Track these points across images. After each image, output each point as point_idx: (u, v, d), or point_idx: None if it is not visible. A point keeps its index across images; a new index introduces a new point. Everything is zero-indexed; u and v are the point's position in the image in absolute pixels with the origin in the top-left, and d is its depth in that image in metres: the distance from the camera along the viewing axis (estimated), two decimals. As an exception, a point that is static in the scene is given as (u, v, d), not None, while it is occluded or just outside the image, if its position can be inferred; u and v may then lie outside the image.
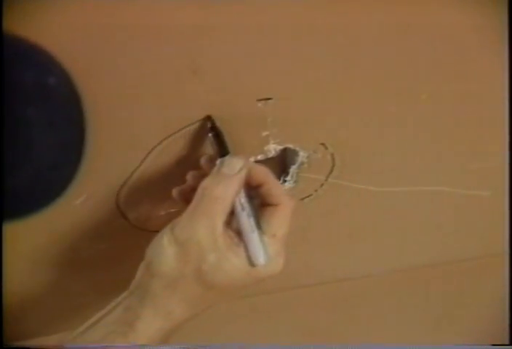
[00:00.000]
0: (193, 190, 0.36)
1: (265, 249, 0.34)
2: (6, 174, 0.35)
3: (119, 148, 0.38)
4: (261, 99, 0.38)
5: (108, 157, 0.38)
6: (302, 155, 0.42)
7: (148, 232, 0.42)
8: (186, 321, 0.35)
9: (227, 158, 0.35)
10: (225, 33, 0.35)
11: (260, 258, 0.34)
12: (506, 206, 0.48)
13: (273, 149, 0.41)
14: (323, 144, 0.42)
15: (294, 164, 0.43)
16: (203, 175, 0.36)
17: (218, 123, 0.37)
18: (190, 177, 0.38)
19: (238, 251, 0.34)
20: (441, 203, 0.48)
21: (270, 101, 0.38)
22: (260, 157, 0.41)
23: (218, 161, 0.36)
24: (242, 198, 0.35)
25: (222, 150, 0.36)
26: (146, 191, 0.40)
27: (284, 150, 0.42)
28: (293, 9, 0.34)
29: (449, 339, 0.60)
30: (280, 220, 0.36)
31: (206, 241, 0.33)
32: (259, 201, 0.36)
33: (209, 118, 0.38)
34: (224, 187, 0.34)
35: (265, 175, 0.36)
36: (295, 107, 0.39)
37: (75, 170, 0.37)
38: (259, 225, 0.35)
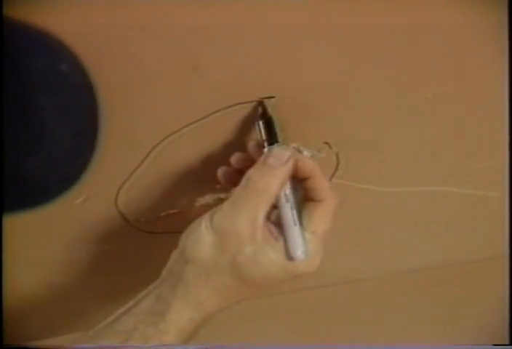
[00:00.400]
0: (237, 172, 0.36)
1: (305, 244, 0.34)
2: (19, 163, 0.35)
3: (119, 148, 0.37)
4: (263, 98, 0.37)
5: (108, 156, 0.37)
6: (306, 155, 0.40)
7: (147, 233, 0.41)
8: (216, 312, 0.35)
9: (274, 147, 0.35)
10: (227, 30, 0.34)
11: (299, 252, 0.34)
12: (506, 206, 0.48)
13: None
14: (327, 143, 0.41)
15: None
16: (247, 158, 0.36)
17: (270, 110, 0.36)
18: (234, 159, 0.38)
19: (276, 246, 0.34)
20: (447, 204, 0.48)
21: (272, 99, 0.38)
22: (262, 156, 0.41)
23: (266, 150, 0.35)
24: (287, 190, 0.34)
25: (271, 138, 0.35)
26: (146, 191, 0.40)
27: None
28: (296, 6, 0.34)
29: (450, 339, 0.60)
30: (322, 216, 0.35)
31: (245, 233, 0.33)
32: (301, 194, 0.36)
33: (260, 103, 0.37)
34: (269, 180, 0.33)
35: (311, 168, 0.35)
36: (299, 105, 0.39)
37: (89, 158, 0.36)
38: (300, 219, 0.35)
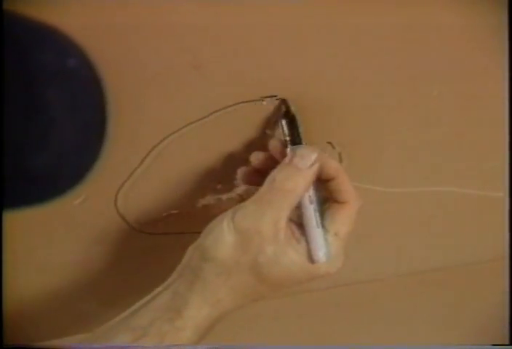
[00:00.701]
0: (257, 171, 0.36)
1: (327, 246, 0.34)
2: (27, 158, 0.34)
3: (119, 147, 0.37)
4: (266, 97, 0.37)
5: (108, 156, 0.37)
6: None
7: (147, 234, 0.41)
8: (232, 310, 0.35)
9: (300, 149, 0.34)
10: (229, 29, 0.34)
11: (321, 254, 0.34)
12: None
13: None
14: (330, 143, 0.41)
15: None
16: (268, 157, 0.36)
17: (293, 109, 0.36)
18: (254, 158, 0.37)
19: (298, 247, 0.34)
20: (451, 205, 0.48)
21: (275, 98, 0.37)
22: (264, 156, 0.40)
23: (289, 150, 0.35)
24: (311, 191, 0.34)
25: (295, 139, 0.35)
26: (146, 192, 0.39)
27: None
28: (299, 5, 0.34)
29: (450, 339, 0.60)
30: (344, 218, 0.35)
31: (267, 233, 0.33)
32: (323, 195, 0.36)
33: (284, 102, 0.37)
34: (295, 181, 0.33)
35: (336, 169, 0.35)
36: (301, 105, 0.38)
37: (97, 154, 0.36)
38: (322, 221, 0.35)
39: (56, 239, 0.40)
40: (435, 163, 0.45)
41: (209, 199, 0.41)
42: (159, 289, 0.34)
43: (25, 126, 0.33)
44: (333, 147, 0.41)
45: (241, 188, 0.41)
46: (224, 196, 0.41)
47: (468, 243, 0.52)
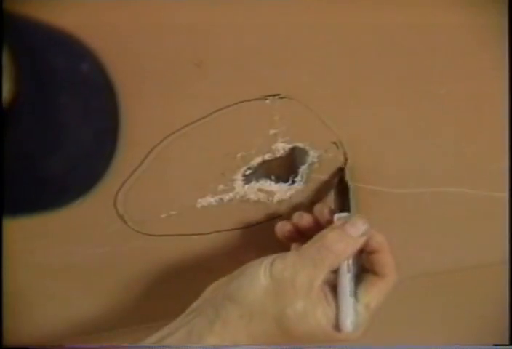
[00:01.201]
0: (297, 230, 0.39)
1: (356, 316, 0.34)
2: (38, 164, 0.34)
3: (118, 147, 0.36)
4: (269, 96, 0.37)
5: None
6: (312, 155, 0.41)
7: (147, 236, 0.41)
8: None
9: (353, 217, 0.36)
10: (231, 28, 0.34)
11: (348, 323, 0.34)
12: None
13: (281, 148, 0.40)
14: (334, 143, 0.40)
15: (303, 164, 0.41)
16: (312, 220, 0.39)
17: (347, 178, 0.39)
18: (298, 217, 0.40)
19: (328, 310, 0.34)
20: (461, 206, 0.47)
21: (278, 97, 0.37)
22: (267, 156, 0.40)
23: (336, 216, 0.37)
24: (350, 260, 0.35)
25: (345, 207, 0.38)
26: (146, 193, 0.39)
27: (293, 150, 0.40)
28: (302, 3, 0.33)
29: (450, 339, 0.60)
30: (379, 292, 0.36)
31: (301, 288, 0.33)
32: (361, 265, 0.37)
33: (341, 170, 0.40)
34: (345, 246, 0.35)
35: (381, 244, 0.36)
36: (305, 104, 0.38)
37: (110, 158, 0.36)
38: (355, 290, 0.35)
39: (55, 240, 0.40)
40: (446, 163, 0.44)
41: (209, 200, 0.41)
42: (175, 323, 0.34)
43: (37, 131, 0.33)
44: (338, 147, 0.41)
45: (242, 189, 0.40)
46: (225, 197, 0.40)
47: (471, 244, 0.51)
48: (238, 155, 0.39)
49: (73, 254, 0.41)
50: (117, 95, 0.33)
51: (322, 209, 0.39)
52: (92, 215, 0.39)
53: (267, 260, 0.34)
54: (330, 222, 0.38)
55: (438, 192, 0.46)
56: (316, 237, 0.35)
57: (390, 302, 0.56)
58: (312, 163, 0.41)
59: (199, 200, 0.40)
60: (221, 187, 0.40)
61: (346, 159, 0.41)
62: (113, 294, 0.43)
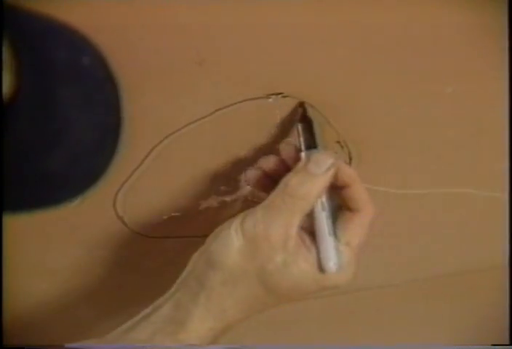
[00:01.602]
0: (267, 176, 0.36)
1: (338, 256, 0.33)
2: (40, 159, 0.34)
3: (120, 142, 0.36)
4: (271, 94, 0.36)
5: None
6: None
7: (147, 238, 0.40)
8: (237, 322, 0.34)
9: (315, 154, 0.34)
10: (232, 27, 0.33)
11: (331, 264, 0.33)
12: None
13: None
14: (339, 142, 0.40)
15: None
16: (280, 162, 0.35)
17: (310, 113, 0.36)
18: (264, 162, 0.37)
19: (308, 256, 0.33)
20: (467, 207, 0.46)
21: (281, 96, 0.36)
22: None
23: (303, 154, 0.34)
24: (324, 198, 0.34)
25: (310, 143, 0.34)
26: (146, 194, 0.39)
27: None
28: (304, 3, 0.33)
29: (450, 339, 0.60)
30: (357, 228, 0.34)
31: (277, 240, 0.32)
32: (337, 203, 0.35)
33: (301, 105, 0.36)
34: (309, 187, 0.32)
35: (351, 176, 0.34)
36: (308, 103, 0.37)
37: (112, 154, 0.35)
38: (334, 229, 0.34)
39: (54, 242, 0.40)
40: (451, 163, 0.44)
41: (212, 201, 0.40)
42: (161, 300, 0.34)
43: (38, 126, 0.33)
44: (342, 147, 0.40)
45: (246, 189, 0.40)
46: (228, 198, 0.40)
47: (488, 248, 0.51)
48: (241, 155, 0.38)
49: (72, 255, 0.41)
50: (119, 90, 0.33)
51: (289, 149, 0.36)
52: (91, 216, 0.39)
53: (237, 220, 0.33)
54: (298, 161, 0.34)
55: (441, 192, 0.45)
56: (281, 184, 0.33)
57: (390, 302, 0.57)
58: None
59: (201, 201, 0.40)
60: (223, 188, 0.40)
61: (350, 159, 0.41)
62: (113, 297, 0.42)
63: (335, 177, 0.33)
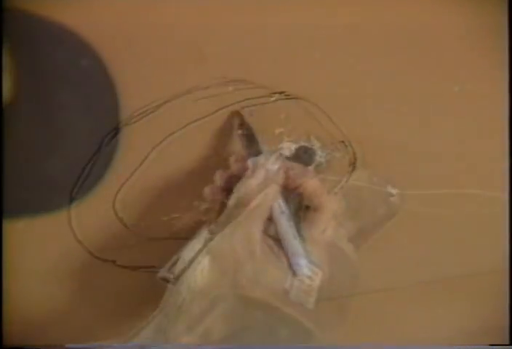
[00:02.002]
0: (224, 190, 0.35)
1: (308, 258, 0.32)
2: (41, 162, 0.35)
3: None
4: (274, 93, 0.36)
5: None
6: (319, 155, 0.40)
7: (147, 239, 0.40)
8: (223, 340, 0.33)
9: (261, 158, 0.34)
10: (233, 26, 0.34)
11: (304, 267, 0.32)
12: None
13: (287, 147, 0.39)
14: (342, 142, 0.40)
15: (310, 164, 0.40)
16: (232, 175, 0.35)
17: (247, 120, 0.36)
18: (218, 177, 0.36)
19: (278, 263, 0.32)
20: (473, 208, 0.46)
21: (284, 95, 0.37)
22: (273, 156, 0.40)
23: (250, 162, 0.34)
24: (280, 200, 0.33)
25: (254, 150, 0.34)
26: (146, 195, 0.39)
27: (300, 149, 0.40)
28: (305, 3, 0.34)
29: (450, 339, 0.59)
30: (321, 225, 0.34)
31: (242, 251, 0.32)
32: (296, 204, 0.35)
33: (237, 113, 0.36)
34: (260, 194, 0.32)
35: (302, 175, 0.34)
36: (312, 102, 0.37)
37: (110, 158, 0.36)
38: (299, 231, 0.33)
39: (52, 245, 0.40)
40: (457, 163, 0.44)
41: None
42: (142, 325, 0.33)
43: (37, 131, 0.33)
44: (346, 147, 0.40)
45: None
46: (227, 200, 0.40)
47: (496, 251, 0.49)
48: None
49: (72, 256, 0.40)
50: (117, 92, 0.33)
51: (236, 160, 0.36)
52: (90, 217, 0.39)
53: (200, 237, 0.33)
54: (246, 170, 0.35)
55: (450, 193, 0.45)
56: (233, 194, 0.33)
57: (391, 304, 0.56)
58: (319, 163, 0.40)
59: (201, 202, 0.40)
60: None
61: (355, 159, 0.40)
62: (113, 299, 0.42)
63: (286, 178, 0.34)
